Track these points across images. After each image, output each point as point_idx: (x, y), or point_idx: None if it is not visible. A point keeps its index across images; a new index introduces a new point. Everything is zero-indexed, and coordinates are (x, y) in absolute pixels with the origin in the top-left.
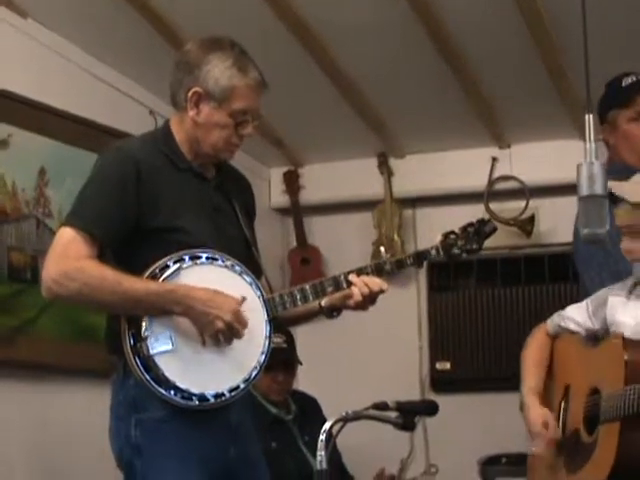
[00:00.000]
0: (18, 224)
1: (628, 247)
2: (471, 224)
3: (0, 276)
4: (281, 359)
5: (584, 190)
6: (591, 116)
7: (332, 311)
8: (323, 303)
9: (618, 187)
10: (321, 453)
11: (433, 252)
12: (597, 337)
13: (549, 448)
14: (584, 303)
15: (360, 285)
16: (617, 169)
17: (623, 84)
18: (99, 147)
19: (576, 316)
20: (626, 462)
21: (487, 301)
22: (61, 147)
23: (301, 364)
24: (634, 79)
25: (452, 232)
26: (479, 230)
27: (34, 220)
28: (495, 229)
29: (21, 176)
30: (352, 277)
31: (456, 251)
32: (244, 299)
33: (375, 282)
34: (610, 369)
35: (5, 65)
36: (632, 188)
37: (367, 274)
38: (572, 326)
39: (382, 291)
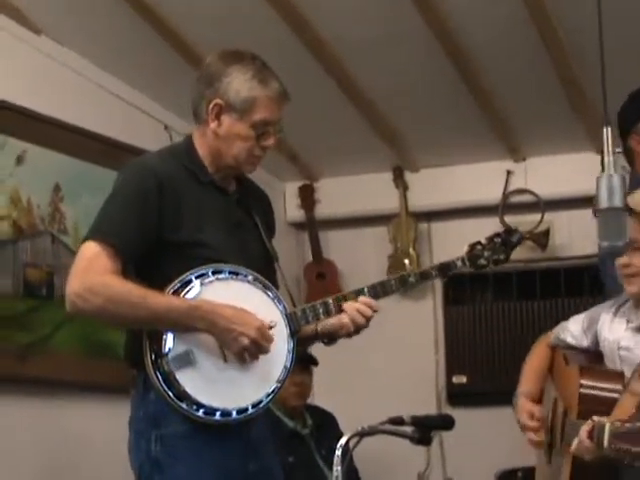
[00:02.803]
0: (33, 240)
1: (625, 262)
2: (498, 234)
3: (16, 292)
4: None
5: (603, 203)
6: (609, 129)
7: (326, 338)
8: (319, 329)
9: (630, 199)
10: (337, 468)
11: (459, 263)
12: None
13: (540, 438)
14: (581, 317)
15: (353, 315)
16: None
17: None
18: (114, 163)
19: (574, 330)
20: None
21: (503, 315)
22: (76, 163)
23: (317, 364)
24: None
25: (478, 242)
26: (506, 240)
27: (49, 236)
28: (522, 239)
29: (36, 192)
30: (346, 307)
31: (483, 262)
32: (275, 324)
33: (367, 307)
34: (573, 396)
35: (20, 82)
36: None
37: (390, 287)
38: (569, 339)
39: (375, 311)
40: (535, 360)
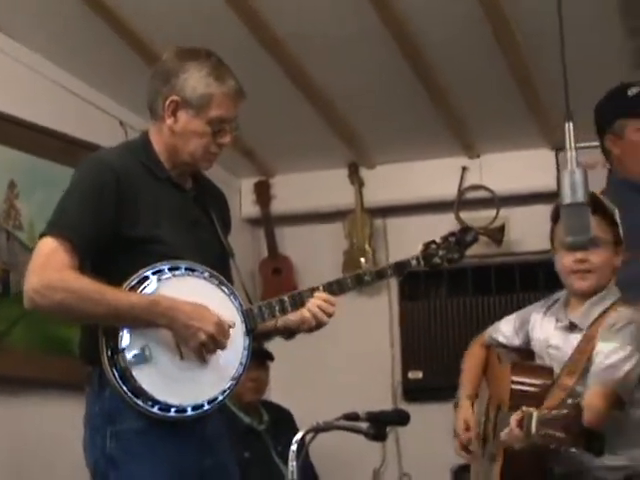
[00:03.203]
0: None
1: (582, 257)
2: (452, 233)
3: None
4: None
5: (566, 198)
6: (571, 124)
7: (287, 333)
8: (278, 323)
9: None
10: (292, 463)
11: (414, 262)
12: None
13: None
14: (513, 317)
15: (315, 311)
16: (620, 184)
17: (629, 94)
18: (70, 160)
19: (505, 330)
20: None
21: (458, 310)
22: (31, 159)
23: (273, 359)
24: (638, 89)
25: (433, 242)
26: (460, 239)
27: (4, 233)
28: (477, 238)
29: None
30: (308, 303)
31: (437, 260)
32: (233, 324)
33: (328, 303)
34: (505, 392)
35: None
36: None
37: (346, 285)
38: (501, 339)
39: (335, 307)
40: (472, 361)
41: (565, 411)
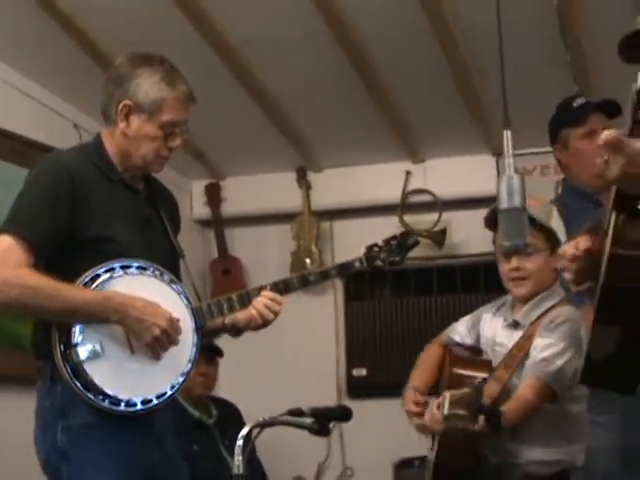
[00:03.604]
0: None
1: (516, 266)
2: (394, 237)
3: None
4: (202, 346)
5: (504, 203)
6: (509, 132)
7: (234, 330)
8: (226, 321)
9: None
10: (238, 458)
11: (357, 264)
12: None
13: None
14: (468, 317)
15: (261, 309)
16: (569, 192)
17: (574, 105)
18: (24, 161)
19: (461, 330)
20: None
21: (402, 310)
22: None
23: (222, 355)
24: (584, 100)
25: (375, 244)
26: (402, 243)
27: None
28: (417, 242)
29: None
30: (255, 302)
31: (379, 263)
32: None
33: (274, 302)
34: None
35: None
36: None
37: (292, 285)
38: (457, 338)
39: (281, 306)
40: (426, 358)
41: (467, 390)
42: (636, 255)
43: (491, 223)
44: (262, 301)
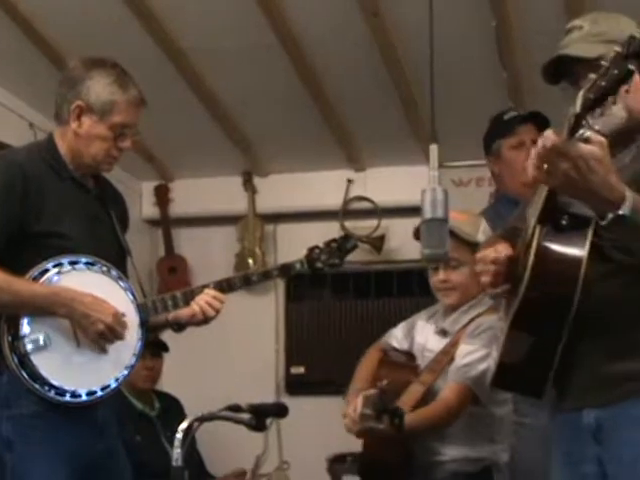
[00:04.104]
0: None
1: (443, 278)
2: (334, 240)
3: None
4: (148, 341)
5: (427, 214)
6: (435, 146)
7: (177, 325)
8: (170, 317)
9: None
10: (177, 451)
11: (298, 265)
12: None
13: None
14: (404, 323)
15: (203, 306)
16: (502, 201)
17: (505, 117)
18: None
19: (398, 335)
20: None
21: (340, 311)
22: None
23: (167, 350)
24: (515, 113)
25: (316, 247)
26: (341, 246)
27: None
28: (356, 246)
29: None
30: (197, 299)
31: (319, 265)
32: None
33: (216, 299)
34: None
35: None
36: (463, 222)
37: (235, 284)
38: (394, 343)
39: (222, 303)
40: (367, 362)
41: (373, 391)
42: (557, 268)
43: (419, 234)
44: (204, 298)
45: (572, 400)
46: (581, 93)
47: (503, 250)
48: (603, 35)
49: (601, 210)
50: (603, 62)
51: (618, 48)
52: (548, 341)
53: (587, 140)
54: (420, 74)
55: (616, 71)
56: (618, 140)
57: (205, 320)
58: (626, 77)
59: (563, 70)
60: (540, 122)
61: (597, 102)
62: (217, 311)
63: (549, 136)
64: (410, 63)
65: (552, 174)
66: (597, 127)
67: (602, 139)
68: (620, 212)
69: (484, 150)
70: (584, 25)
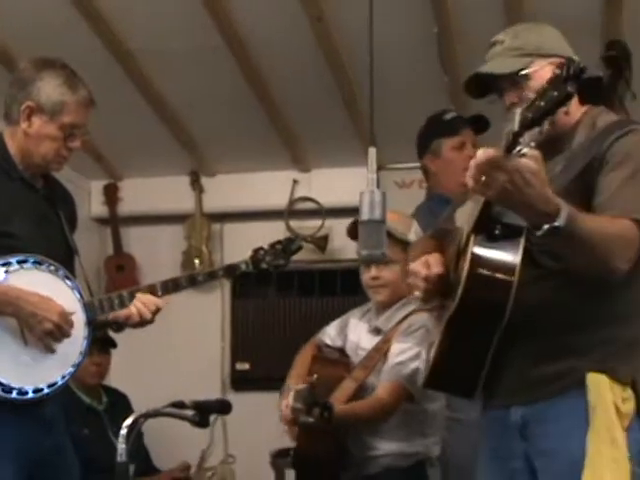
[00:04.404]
0: None
1: (375, 275)
2: (279, 242)
3: None
4: (96, 338)
5: (365, 215)
6: (374, 149)
7: (116, 325)
8: (110, 317)
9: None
10: (122, 446)
11: (243, 266)
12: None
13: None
14: (338, 321)
15: (139, 308)
16: (436, 200)
17: (446, 117)
18: None
19: (331, 333)
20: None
21: (284, 309)
22: None
23: (115, 346)
24: (455, 114)
25: (261, 248)
26: (286, 247)
27: None
28: (300, 247)
29: None
30: (135, 300)
31: (264, 265)
32: (74, 312)
33: (152, 303)
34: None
35: None
36: (396, 221)
37: (181, 284)
38: (328, 340)
39: (159, 309)
40: (301, 358)
41: (304, 386)
42: (490, 276)
43: (353, 233)
44: (141, 300)
45: (501, 398)
46: (519, 111)
47: (434, 266)
48: (521, 49)
49: (537, 222)
50: (523, 73)
51: (557, 70)
52: (481, 345)
53: (523, 155)
54: (363, 78)
55: (555, 93)
56: (544, 149)
57: (141, 322)
58: (565, 99)
59: (488, 84)
60: (480, 126)
61: (535, 122)
62: (153, 313)
63: (487, 150)
64: (353, 66)
65: (489, 186)
66: (533, 143)
67: (537, 153)
68: (556, 224)
69: (419, 148)
70: (505, 39)
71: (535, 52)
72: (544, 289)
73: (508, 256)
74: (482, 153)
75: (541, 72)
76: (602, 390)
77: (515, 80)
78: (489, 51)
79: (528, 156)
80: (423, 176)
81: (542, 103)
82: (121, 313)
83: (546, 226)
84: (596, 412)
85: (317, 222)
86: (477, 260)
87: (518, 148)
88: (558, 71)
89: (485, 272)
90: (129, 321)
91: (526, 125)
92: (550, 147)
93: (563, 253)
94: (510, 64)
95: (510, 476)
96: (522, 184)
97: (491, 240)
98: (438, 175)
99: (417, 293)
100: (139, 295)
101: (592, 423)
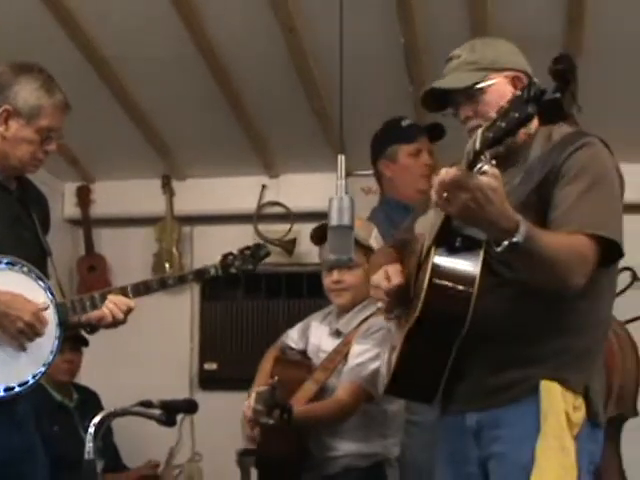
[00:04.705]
0: None
1: (337, 279)
2: (248, 247)
3: None
4: (69, 336)
5: (334, 221)
6: (343, 156)
7: (89, 327)
8: (82, 318)
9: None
10: (90, 444)
11: (212, 270)
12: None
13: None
14: (300, 324)
15: (112, 309)
16: (392, 205)
17: (403, 124)
18: None
19: (294, 336)
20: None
21: (252, 311)
22: None
23: (87, 345)
24: (410, 121)
25: (231, 253)
26: (254, 253)
27: None
28: (269, 253)
29: None
30: (107, 302)
31: (233, 270)
32: (47, 306)
33: (123, 303)
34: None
35: None
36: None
37: (152, 287)
38: (291, 343)
39: (131, 310)
40: (264, 361)
41: (265, 388)
42: (450, 287)
43: (316, 238)
44: (114, 301)
45: (458, 404)
46: (480, 131)
47: (394, 277)
48: (476, 63)
49: (497, 237)
50: (478, 87)
51: (519, 92)
52: (440, 354)
53: (484, 173)
54: (332, 87)
55: (516, 114)
56: (500, 161)
57: (114, 323)
58: (525, 121)
59: (445, 98)
60: (436, 134)
61: (496, 142)
62: (125, 314)
63: (450, 170)
64: (323, 76)
65: (451, 203)
66: (493, 161)
67: (496, 171)
68: (514, 239)
69: (373, 152)
70: (462, 54)
71: (490, 66)
72: (501, 298)
73: (468, 267)
74: (445, 172)
75: (496, 86)
76: (554, 398)
77: (470, 94)
78: (446, 66)
79: (489, 174)
80: (376, 180)
81: (503, 124)
82: (93, 314)
83: (506, 242)
84: (547, 419)
85: (285, 226)
86: (437, 271)
87: (479, 166)
88: (519, 92)
89: (445, 283)
90: (102, 322)
91: (487, 145)
92: (506, 159)
93: (522, 269)
94: (465, 78)
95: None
96: (483, 202)
97: (451, 252)
98: (394, 180)
99: (379, 304)
100: (110, 296)
101: (543, 430)
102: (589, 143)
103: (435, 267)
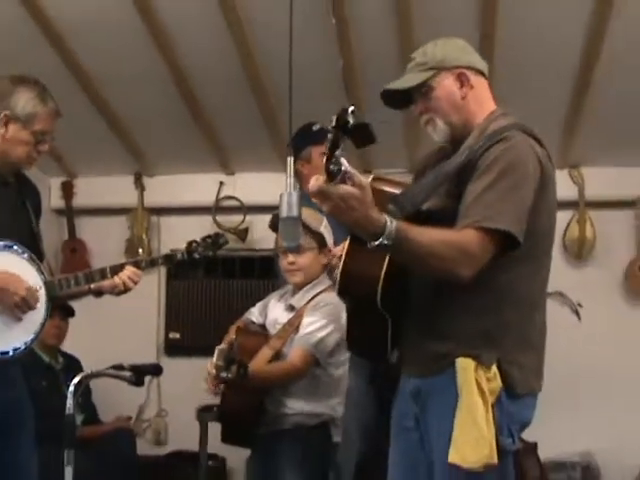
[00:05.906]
0: None
1: (291, 260)
2: (209, 236)
3: None
4: (59, 305)
5: (284, 213)
6: (291, 158)
7: (98, 293)
8: (92, 286)
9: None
10: (70, 402)
11: (179, 255)
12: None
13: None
14: (262, 302)
15: (125, 280)
16: (307, 199)
17: (314, 128)
18: None
19: (255, 312)
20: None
21: (211, 289)
22: None
23: (74, 315)
24: (320, 126)
25: (194, 241)
26: (215, 241)
27: None
28: (227, 242)
29: None
30: (121, 274)
31: (197, 255)
32: (40, 287)
33: (138, 275)
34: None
35: None
36: (309, 216)
37: (125, 267)
38: (253, 318)
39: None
40: (231, 332)
41: (225, 346)
42: (359, 272)
43: (274, 227)
44: (127, 273)
45: (405, 367)
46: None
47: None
48: (426, 64)
49: (366, 238)
50: (428, 85)
51: (334, 117)
52: (379, 324)
53: (350, 178)
54: (281, 96)
55: (331, 136)
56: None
57: (125, 291)
58: (335, 144)
59: (408, 97)
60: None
61: (331, 153)
62: (135, 283)
63: (317, 180)
64: (273, 86)
65: (323, 207)
66: (351, 169)
67: (362, 180)
68: (380, 241)
69: (294, 154)
70: (416, 56)
71: (438, 65)
72: (423, 279)
73: (375, 260)
74: (312, 182)
75: (444, 82)
76: (468, 374)
77: (422, 92)
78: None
79: (356, 184)
80: (296, 178)
81: (329, 142)
82: (105, 284)
83: (375, 243)
84: (462, 394)
85: (239, 217)
86: (349, 260)
87: (331, 167)
88: (335, 116)
89: (355, 271)
90: (114, 290)
91: (327, 156)
92: (454, 145)
93: (403, 263)
94: (415, 78)
95: (405, 434)
96: (346, 209)
97: (362, 243)
98: (309, 177)
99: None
100: (128, 267)
101: (459, 405)
102: (506, 137)
103: (347, 256)
